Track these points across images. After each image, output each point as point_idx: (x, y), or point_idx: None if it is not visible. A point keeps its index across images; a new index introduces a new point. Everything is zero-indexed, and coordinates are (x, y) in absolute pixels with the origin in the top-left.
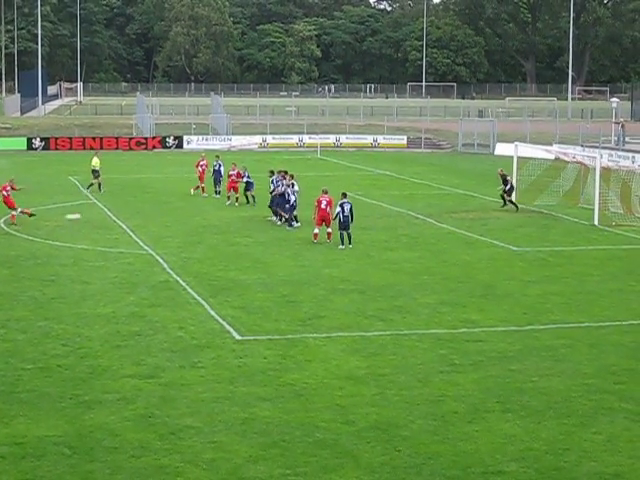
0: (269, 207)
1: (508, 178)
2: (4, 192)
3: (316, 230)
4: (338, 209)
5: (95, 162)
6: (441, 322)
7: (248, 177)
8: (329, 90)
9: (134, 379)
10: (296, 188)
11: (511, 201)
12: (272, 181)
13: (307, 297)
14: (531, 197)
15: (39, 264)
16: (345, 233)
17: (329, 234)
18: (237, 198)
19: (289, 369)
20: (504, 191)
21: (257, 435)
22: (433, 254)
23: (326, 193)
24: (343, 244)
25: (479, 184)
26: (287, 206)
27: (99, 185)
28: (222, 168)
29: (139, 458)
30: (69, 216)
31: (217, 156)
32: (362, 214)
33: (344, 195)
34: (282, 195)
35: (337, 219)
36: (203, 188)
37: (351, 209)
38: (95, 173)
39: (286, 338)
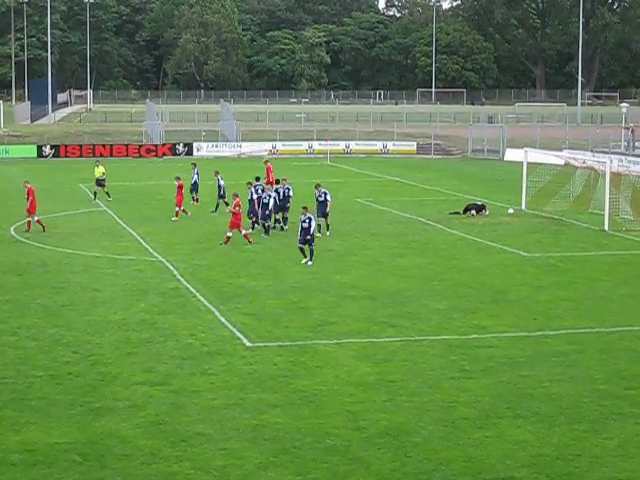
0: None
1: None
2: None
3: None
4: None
5: (99, 171)
6: (451, 328)
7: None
8: (336, 97)
9: (145, 386)
10: (272, 194)
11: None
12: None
13: (317, 303)
14: (541, 203)
15: (50, 271)
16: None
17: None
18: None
19: (299, 375)
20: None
21: (268, 442)
22: (443, 260)
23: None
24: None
25: (489, 190)
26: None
27: (107, 193)
28: (198, 177)
29: (150, 465)
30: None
31: (194, 164)
32: (372, 220)
33: (304, 208)
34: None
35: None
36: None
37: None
38: (100, 182)
39: (296, 344)
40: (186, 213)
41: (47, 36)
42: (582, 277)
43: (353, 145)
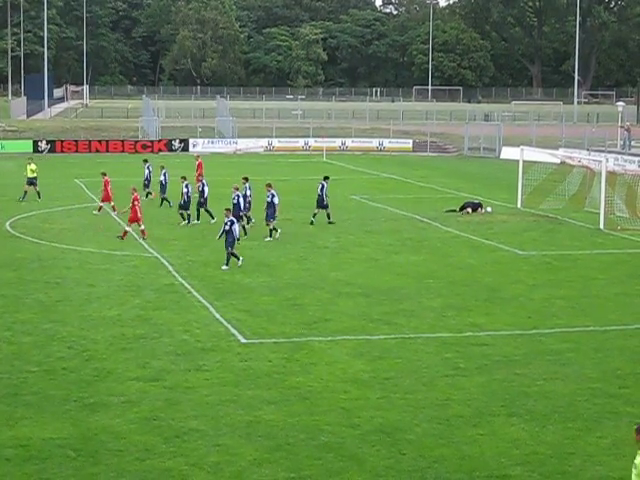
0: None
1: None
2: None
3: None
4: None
5: (30, 169)
6: (446, 326)
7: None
8: (332, 94)
9: (139, 382)
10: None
11: None
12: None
13: (312, 300)
14: (537, 201)
15: (45, 267)
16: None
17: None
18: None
19: (294, 372)
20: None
21: (262, 438)
22: (438, 258)
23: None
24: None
25: (485, 188)
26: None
27: (38, 193)
28: (150, 172)
29: (144, 461)
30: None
31: (145, 160)
32: (367, 217)
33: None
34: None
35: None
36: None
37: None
38: (31, 180)
39: (291, 341)
40: (114, 209)
41: (44, 31)
42: (577, 275)
43: (349, 142)
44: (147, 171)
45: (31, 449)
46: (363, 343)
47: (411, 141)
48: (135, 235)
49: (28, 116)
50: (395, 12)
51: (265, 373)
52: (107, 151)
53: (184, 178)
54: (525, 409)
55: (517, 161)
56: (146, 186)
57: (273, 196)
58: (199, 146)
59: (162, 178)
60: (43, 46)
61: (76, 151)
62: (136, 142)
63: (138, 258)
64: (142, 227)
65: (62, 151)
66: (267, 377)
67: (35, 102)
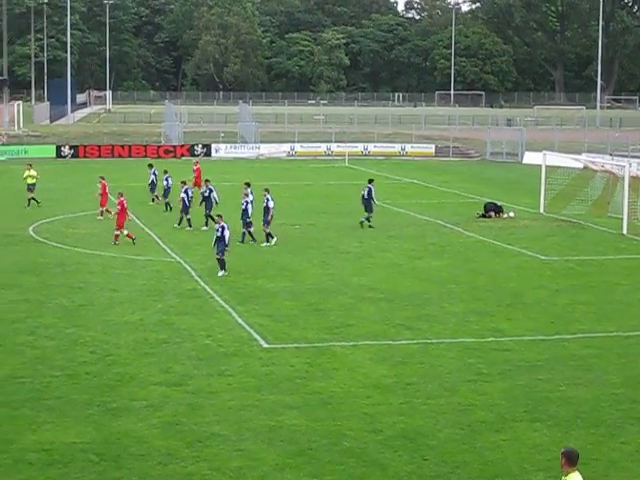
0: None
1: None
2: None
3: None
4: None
5: (29, 175)
6: (469, 331)
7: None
8: (354, 99)
9: (162, 387)
10: (250, 198)
11: None
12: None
13: (334, 305)
14: (559, 206)
15: (68, 271)
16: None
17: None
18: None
19: (316, 377)
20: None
21: (284, 443)
22: (461, 263)
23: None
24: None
25: (507, 193)
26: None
27: (31, 200)
28: (156, 177)
29: (166, 465)
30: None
31: (150, 165)
32: (390, 222)
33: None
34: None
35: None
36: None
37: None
38: (30, 187)
39: (313, 346)
40: (109, 213)
41: (67, 37)
42: (600, 281)
43: (371, 147)
44: (152, 176)
45: (54, 453)
46: (385, 348)
47: (433, 146)
48: (159, 240)
49: (51, 121)
50: (417, 17)
51: (287, 378)
52: (130, 156)
53: (184, 183)
54: (548, 415)
55: (540, 166)
56: (152, 191)
57: (268, 200)
58: (221, 151)
59: (165, 183)
60: (66, 52)
61: (99, 156)
62: (159, 147)
63: (161, 263)
64: (125, 232)
65: (85, 156)
66: (289, 382)
67: (58, 107)
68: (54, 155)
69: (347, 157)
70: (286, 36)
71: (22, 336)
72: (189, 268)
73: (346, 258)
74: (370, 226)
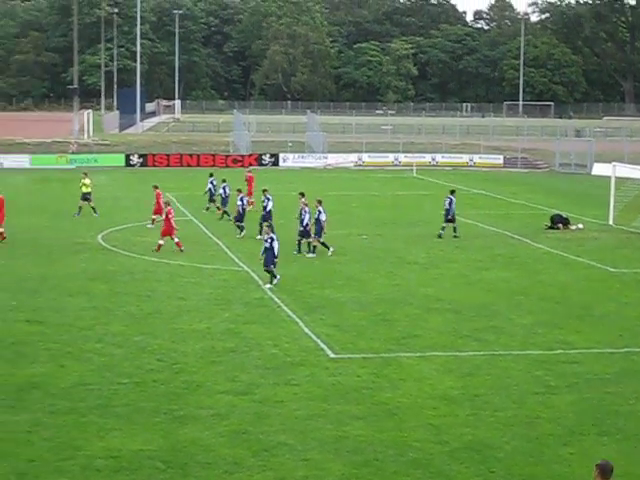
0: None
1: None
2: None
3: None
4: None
5: (84, 184)
6: (536, 343)
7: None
8: (422, 109)
9: (228, 395)
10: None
11: None
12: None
13: (401, 316)
14: (629, 218)
15: (136, 279)
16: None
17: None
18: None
19: (383, 388)
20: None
21: (350, 453)
22: (529, 274)
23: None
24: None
25: (576, 204)
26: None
27: (81, 208)
28: (214, 186)
29: (232, 474)
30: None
31: (211, 174)
32: (458, 233)
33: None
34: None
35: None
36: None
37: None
38: (85, 196)
39: (380, 357)
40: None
41: (136, 46)
42: None
43: (439, 158)
44: (210, 185)
45: (121, 460)
46: (452, 359)
47: (501, 157)
48: (227, 249)
49: (121, 130)
50: (486, 27)
51: (354, 388)
52: (198, 165)
53: (239, 191)
54: (616, 428)
55: (609, 177)
56: (211, 200)
57: (320, 213)
58: (289, 161)
59: (222, 191)
60: (136, 61)
61: (167, 165)
62: (227, 156)
63: (228, 272)
64: (176, 240)
65: (154, 165)
66: (356, 392)
67: (128, 116)
68: (123, 164)
69: (415, 167)
70: (354, 46)
71: (90, 343)
72: (256, 277)
73: (413, 269)
74: (455, 236)
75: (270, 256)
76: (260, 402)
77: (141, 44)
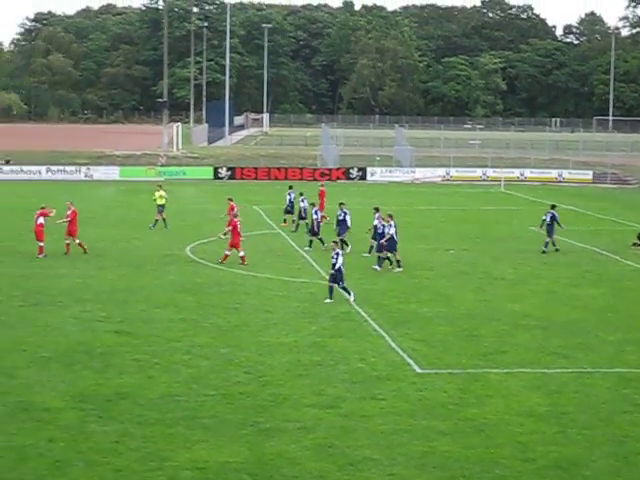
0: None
1: None
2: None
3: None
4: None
5: (159, 196)
6: (625, 361)
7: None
8: (511, 123)
9: (315, 409)
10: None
11: None
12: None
13: (489, 332)
14: None
15: (223, 292)
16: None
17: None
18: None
19: (469, 404)
20: None
21: (436, 469)
22: (618, 291)
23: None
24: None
25: None
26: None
27: (164, 220)
28: (305, 202)
29: None
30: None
31: (290, 187)
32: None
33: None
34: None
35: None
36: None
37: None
38: (160, 208)
39: (467, 372)
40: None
41: (226, 60)
42: None
43: (527, 173)
44: (289, 196)
45: (208, 472)
46: (540, 376)
47: (591, 172)
48: (314, 263)
49: (209, 143)
50: (576, 42)
51: (440, 404)
52: (286, 178)
53: (313, 205)
54: None
55: None
56: (289, 212)
57: (390, 227)
58: (377, 175)
59: (301, 205)
60: (225, 74)
61: (255, 178)
62: (315, 170)
63: (315, 285)
64: (242, 253)
65: (242, 178)
66: (442, 408)
67: (216, 129)
68: (211, 177)
69: (503, 182)
70: (443, 60)
71: (178, 355)
72: (343, 291)
73: (500, 284)
74: (557, 249)
75: (340, 272)
76: (346, 416)
77: (230, 58)
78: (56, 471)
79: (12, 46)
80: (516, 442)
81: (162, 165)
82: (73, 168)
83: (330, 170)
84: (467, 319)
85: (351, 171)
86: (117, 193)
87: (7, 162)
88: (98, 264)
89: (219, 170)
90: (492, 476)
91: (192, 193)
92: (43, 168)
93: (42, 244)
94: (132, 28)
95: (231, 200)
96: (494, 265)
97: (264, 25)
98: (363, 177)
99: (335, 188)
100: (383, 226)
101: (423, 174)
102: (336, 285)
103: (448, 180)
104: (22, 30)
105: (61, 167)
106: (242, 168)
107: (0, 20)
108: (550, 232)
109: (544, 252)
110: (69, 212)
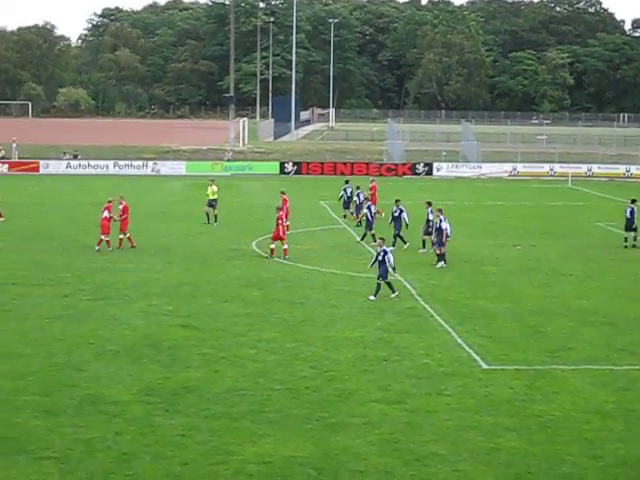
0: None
1: None
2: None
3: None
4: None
5: (212, 191)
6: None
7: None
8: (578, 119)
9: (380, 404)
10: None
11: None
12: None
13: (555, 328)
14: None
15: (289, 287)
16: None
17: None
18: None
19: (536, 400)
20: None
21: (502, 465)
22: None
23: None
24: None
25: None
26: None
27: (215, 217)
28: (349, 193)
29: None
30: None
31: (346, 181)
32: (613, 245)
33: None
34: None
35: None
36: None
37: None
38: (211, 202)
39: (533, 369)
40: (287, 228)
41: (292, 55)
42: None
43: (595, 168)
44: (348, 191)
45: (273, 466)
46: (607, 373)
47: None
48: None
49: (275, 138)
50: None
51: (506, 400)
52: (352, 173)
53: (367, 199)
54: None
55: None
56: (346, 207)
57: (441, 221)
58: (443, 170)
59: (356, 199)
60: (291, 69)
61: (321, 173)
62: (381, 165)
63: None
64: (285, 246)
65: (308, 173)
66: (508, 404)
67: (282, 124)
68: (277, 171)
69: (570, 178)
70: (510, 55)
71: (244, 349)
72: (409, 286)
73: (568, 280)
74: (634, 245)
75: (382, 269)
76: (412, 411)
77: (296, 53)
78: (123, 464)
79: (80, 42)
80: (583, 439)
81: (228, 160)
82: (140, 163)
83: (396, 165)
84: (534, 315)
85: (417, 166)
86: (184, 188)
87: (75, 157)
88: (165, 258)
89: (285, 165)
90: (558, 473)
91: (258, 188)
92: (110, 163)
93: (105, 237)
94: (199, 23)
95: (284, 193)
96: (561, 261)
97: (330, 20)
98: (429, 172)
99: (401, 183)
100: (440, 220)
101: (489, 169)
102: (382, 281)
103: (515, 175)
104: (90, 26)
105: (128, 162)
106: (308, 163)
107: (68, 16)
108: (629, 226)
109: (625, 247)
110: (121, 207)
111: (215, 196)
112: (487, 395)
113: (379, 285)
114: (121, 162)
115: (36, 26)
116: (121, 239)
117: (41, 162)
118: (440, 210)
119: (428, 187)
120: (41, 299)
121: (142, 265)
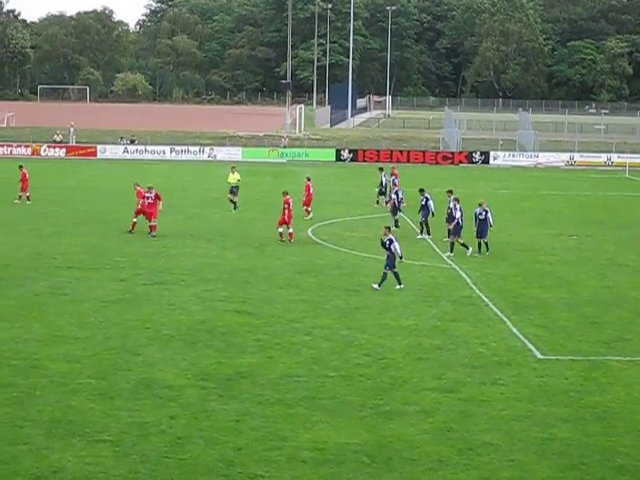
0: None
1: None
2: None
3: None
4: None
5: (234, 178)
6: None
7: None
8: (637, 108)
9: (434, 392)
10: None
11: None
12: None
13: (611, 319)
14: None
15: (344, 274)
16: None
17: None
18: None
19: (591, 391)
20: None
21: (556, 456)
22: None
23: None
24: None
25: None
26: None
27: (234, 204)
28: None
29: (436, 472)
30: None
31: (381, 168)
32: None
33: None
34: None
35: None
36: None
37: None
38: (233, 189)
39: (588, 359)
40: (308, 213)
41: (349, 42)
42: None
43: None
44: (384, 179)
45: (327, 453)
46: None
47: None
48: (435, 246)
49: (332, 125)
50: None
51: (561, 390)
52: (408, 161)
53: (395, 185)
54: None
55: None
56: (382, 193)
57: (455, 210)
58: (499, 159)
59: (384, 180)
60: (348, 57)
61: (377, 161)
62: (437, 153)
63: (436, 269)
64: (290, 230)
65: (364, 160)
66: (563, 394)
67: (339, 111)
68: (333, 159)
69: (627, 168)
70: (568, 44)
71: (299, 336)
72: (464, 275)
73: (624, 271)
74: None
75: (391, 258)
76: (466, 400)
77: (354, 40)
78: (177, 448)
79: (138, 27)
80: (638, 431)
81: (284, 147)
82: (197, 148)
83: (452, 154)
84: (589, 306)
85: (474, 155)
86: (240, 174)
87: (132, 142)
88: (221, 244)
89: (341, 152)
90: (613, 465)
91: (314, 175)
92: (167, 148)
93: (152, 223)
94: (256, 10)
95: (309, 180)
96: (618, 251)
97: (388, 7)
98: (486, 161)
99: (457, 172)
100: (455, 209)
101: (546, 159)
102: (389, 271)
103: (572, 165)
104: (148, 11)
105: (185, 147)
106: (364, 150)
107: (126, 1)
108: None
109: None
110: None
111: (238, 183)
112: (542, 385)
113: (385, 274)
114: (178, 147)
115: (95, 11)
116: (152, 226)
117: (98, 147)
118: (457, 199)
119: (485, 176)
120: (97, 283)
121: (198, 250)
